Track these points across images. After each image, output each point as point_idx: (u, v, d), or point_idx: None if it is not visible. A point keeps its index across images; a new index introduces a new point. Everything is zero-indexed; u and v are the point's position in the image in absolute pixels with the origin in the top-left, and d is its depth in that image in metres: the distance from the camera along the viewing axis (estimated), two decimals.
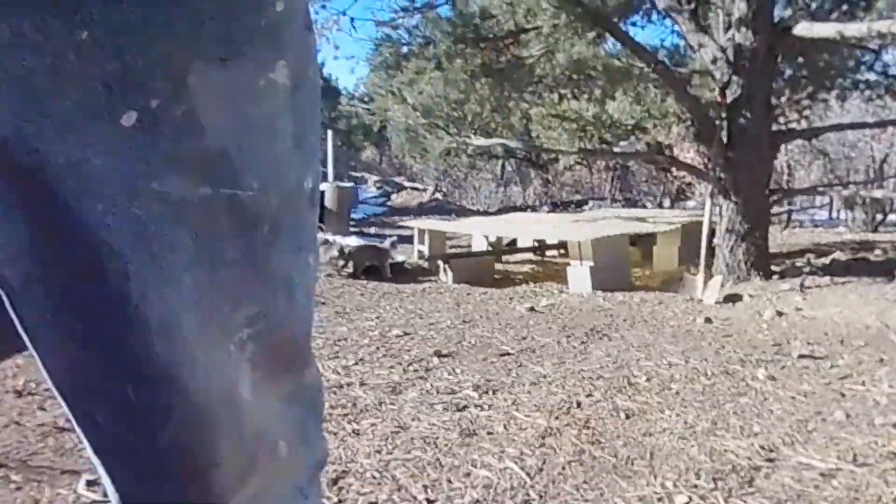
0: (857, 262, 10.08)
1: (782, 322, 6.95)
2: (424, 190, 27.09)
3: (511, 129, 13.51)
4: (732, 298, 8.06)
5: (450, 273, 10.12)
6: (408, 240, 12.64)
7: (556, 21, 10.00)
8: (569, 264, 9.93)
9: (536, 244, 12.89)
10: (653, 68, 10.07)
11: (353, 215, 19.10)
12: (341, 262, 9.86)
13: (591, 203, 19.22)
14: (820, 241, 14.05)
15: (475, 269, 10.55)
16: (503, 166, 27.94)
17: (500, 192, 27.24)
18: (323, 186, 16.76)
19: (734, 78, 8.99)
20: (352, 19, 14.95)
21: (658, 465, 3.44)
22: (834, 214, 20.84)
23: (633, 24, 12.84)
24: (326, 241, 9.92)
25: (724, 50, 9.15)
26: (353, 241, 11.13)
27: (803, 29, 8.54)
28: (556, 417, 4.11)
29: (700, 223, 9.38)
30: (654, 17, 12.41)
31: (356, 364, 5.24)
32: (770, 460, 3.47)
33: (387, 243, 10.64)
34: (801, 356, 5.62)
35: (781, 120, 11.83)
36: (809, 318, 7.18)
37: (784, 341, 6.27)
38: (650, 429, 3.95)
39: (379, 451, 3.51)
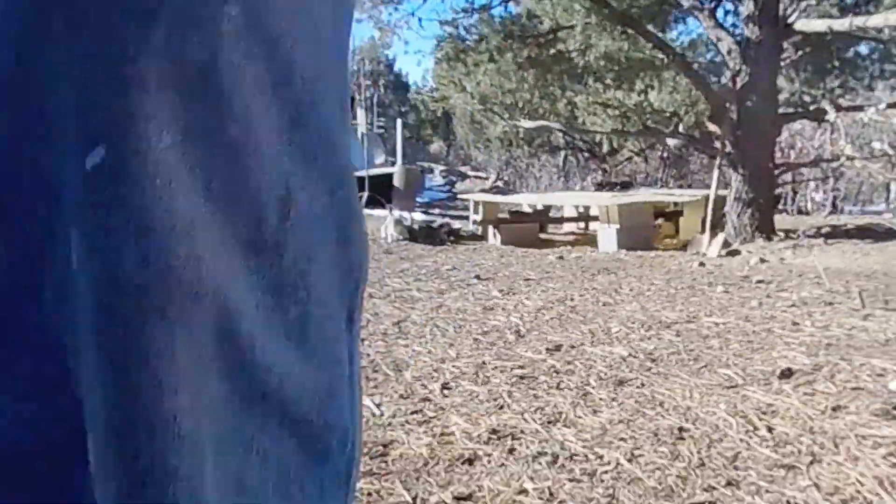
0: (859, 230, 11.01)
1: (762, 266, 8.17)
2: (486, 178, 28.03)
3: (557, 115, 14.90)
4: (732, 252, 9.26)
5: (498, 236, 11.53)
6: (466, 219, 14.02)
7: (587, 20, 11.47)
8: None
9: (578, 213, 14.10)
10: (672, 59, 11.46)
11: (418, 199, 20.56)
12: (406, 233, 11.10)
13: (638, 186, 20.13)
14: (857, 222, 14.18)
15: (521, 233, 11.80)
16: (565, 158, 28.71)
17: (560, 182, 28.05)
18: (393, 169, 18.37)
19: (744, 67, 10.28)
20: (419, 19, 16.46)
21: (609, 320, 4.99)
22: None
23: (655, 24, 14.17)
24: (394, 216, 11.38)
25: (738, 42, 10.49)
26: (417, 217, 12.69)
27: (801, 24, 9.85)
28: (552, 303, 5.64)
29: (724, 196, 10.75)
30: (673, 18, 13.78)
31: (415, 281, 6.85)
32: (689, 321, 4.97)
33: (440, 220, 12.20)
34: (759, 282, 6.89)
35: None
36: (787, 264, 8.33)
37: (753, 275, 7.44)
38: (616, 309, 5.48)
39: (426, 314, 5.18)
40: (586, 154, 26.73)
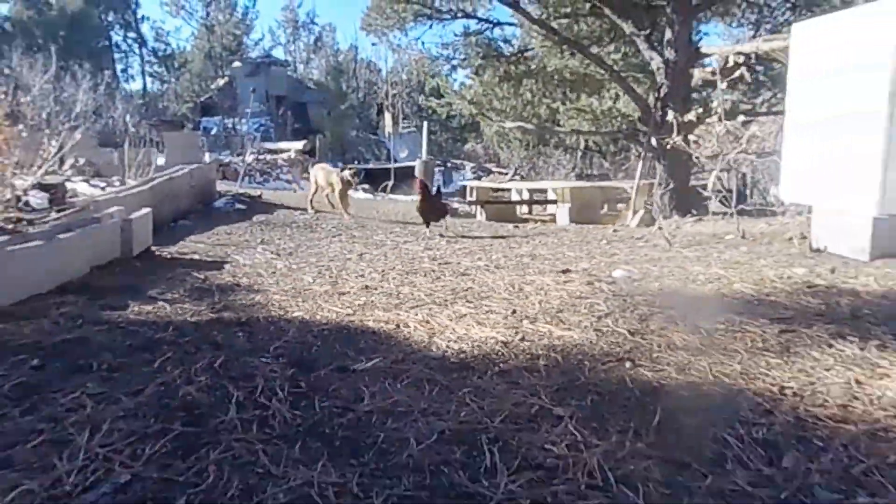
0: (760, 209, 12.34)
1: (663, 230, 9.79)
2: (506, 173, 30.09)
3: (538, 118, 16.96)
4: (649, 224, 10.96)
5: (483, 213, 13.51)
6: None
7: (545, 44, 13.65)
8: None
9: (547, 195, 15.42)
10: (609, 74, 13.48)
11: (444, 189, 22.45)
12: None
13: (613, 178, 21.66)
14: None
15: (502, 211, 13.63)
16: (581, 157, 30.29)
17: (572, 176, 29.97)
18: (415, 163, 20.50)
19: (665, 81, 12.20)
20: (423, 43, 18.87)
21: (502, 254, 6.89)
22: None
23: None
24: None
25: (666, 62, 12.40)
26: None
27: (707, 48, 11.76)
28: (476, 248, 7.51)
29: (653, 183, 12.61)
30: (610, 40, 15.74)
31: (407, 236, 8.89)
32: (554, 255, 6.86)
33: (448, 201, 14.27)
34: (637, 238, 8.37)
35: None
36: (683, 230, 9.65)
37: (639, 236, 8.79)
38: (516, 250, 7.31)
39: (389, 249, 7.27)
40: (597, 152, 28.44)
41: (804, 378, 2.77)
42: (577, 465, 2.01)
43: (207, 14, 51.58)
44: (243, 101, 36.09)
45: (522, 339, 3.40)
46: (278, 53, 51.30)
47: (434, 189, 9.85)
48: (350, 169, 11.76)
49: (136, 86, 49.44)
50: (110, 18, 49.46)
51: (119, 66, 49.93)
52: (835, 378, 2.75)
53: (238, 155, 23.43)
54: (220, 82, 42.15)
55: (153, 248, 6.39)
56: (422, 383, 2.76)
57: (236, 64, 43.34)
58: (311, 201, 11.68)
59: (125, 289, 4.55)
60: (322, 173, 11.82)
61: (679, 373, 2.87)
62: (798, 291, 4.52)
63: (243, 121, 33.68)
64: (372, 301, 4.36)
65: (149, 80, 52.29)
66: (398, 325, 3.71)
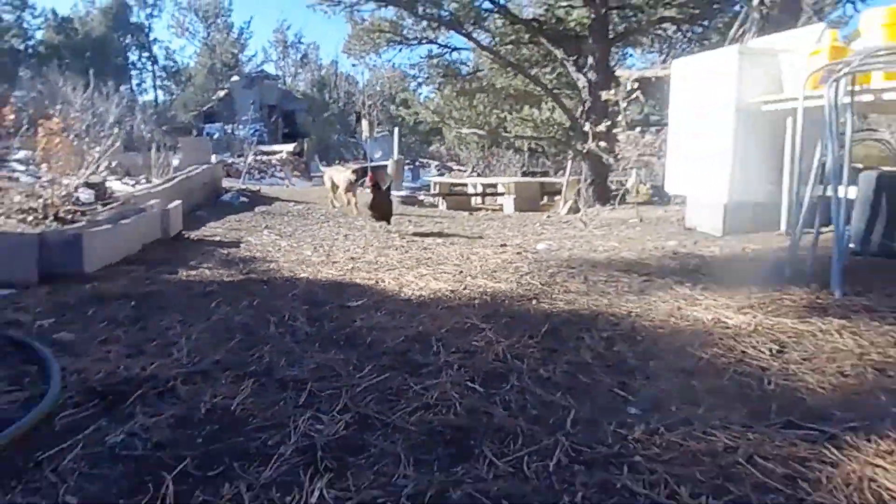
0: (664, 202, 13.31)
1: (582, 216, 10.59)
2: (464, 170, 30.65)
3: (489, 125, 17.75)
4: (576, 212, 11.83)
5: (444, 203, 14.27)
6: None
7: (493, 66, 14.49)
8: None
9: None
10: (544, 91, 14.34)
11: (413, 184, 23.09)
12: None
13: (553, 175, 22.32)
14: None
15: (459, 202, 14.35)
16: (529, 156, 30.97)
17: (519, 173, 30.56)
18: (388, 162, 21.10)
19: (589, 98, 13.02)
20: (394, 64, 19.66)
21: (451, 230, 7.73)
22: None
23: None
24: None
25: (589, 82, 13.25)
26: (401, 193, 15.58)
27: (620, 71, 12.63)
28: (453, 229, 8.42)
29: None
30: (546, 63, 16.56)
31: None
32: (497, 234, 7.78)
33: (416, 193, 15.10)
34: (563, 222, 9.23)
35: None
36: (600, 216, 10.14)
37: (574, 221, 9.43)
38: (466, 229, 8.22)
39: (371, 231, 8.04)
40: (540, 153, 29.06)
41: (646, 306, 3.60)
42: (489, 351, 2.82)
43: (208, 34, 51.54)
44: (241, 110, 36.39)
45: (465, 289, 4.15)
46: (270, 68, 51.29)
47: (385, 185, 8.62)
48: (354, 169, 11.23)
49: (148, 97, 49.41)
50: (128, 41, 49.52)
51: (135, 81, 50.08)
52: (665, 306, 3.59)
53: (239, 156, 23.81)
54: (221, 94, 42.22)
55: (183, 232, 6.98)
56: (394, 313, 3.51)
57: (234, 78, 43.40)
58: (332, 201, 10.98)
59: (171, 260, 5.22)
60: (333, 173, 11.30)
61: (566, 305, 3.68)
62: (665, 257, 5.38)
63: (241, 127, 33.92)
64: (357, 267, 5.06)
65: (160, 92, 52.38)
66: (377, 281, 4.46)
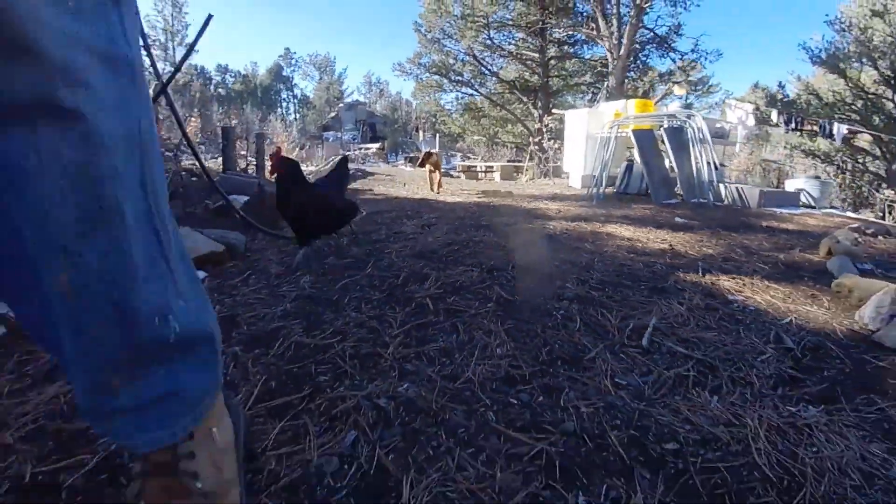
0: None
1: (531, 181, 13.17)
2: (476, 158, 32.61)
3: (489, 135, 19.91)
4: (530, 180, 14.33)
5: (463, 175, 16.40)
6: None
7: (490, 104, 16.69)
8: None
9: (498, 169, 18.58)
10: (517, 118, 16.53)
11: (446, 166, 24.98)
12: None
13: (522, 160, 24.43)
14: None
15: (471, 174, 16.21)
16: (515, 152, 32.66)
17: (505, 160, 32.54)
18: (438, 151, 23.16)
19: (538, 122, 15.12)
20: (438, 102, 21.52)
21: (478, 186, 10.39)
22: None
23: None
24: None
25: (539, 114, 15.37)
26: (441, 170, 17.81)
27: (554, 111, 14.83)
28: (466, 186, 10.98)
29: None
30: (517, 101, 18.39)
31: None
32: (493, 187, 10.50)
33: (448, 171, 17.23)
34: (524, 184, 11.98)
35: None
36: (535, 181, 12.96)
37: (528, 184, 12.15)
38: (480, 186, 10.79)
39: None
40: (516, 149, 30.83)
41: (530, 203, 6.43)
42: (477, 212, 5.68)
43: (321, 78, 53.69)
44: (344, 124, 38.76)
45: (468, 199, 6.98)
46: (361, 98, 53.39)
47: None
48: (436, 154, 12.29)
49: (290, 118, 51.86)
50: (280, 85, 51.74)
51: (280, 109, 52.53)
52: (540, 204, 6.42)
53: (347, 151, 26.37)
54: (332, 115, 44.47)
55: (349, 187, 9.57)
56: (444, 206, 6.36)
57: (340, 105, 45.56)
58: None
59: (349, 196, 7.95)
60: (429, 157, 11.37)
61: (507, 201, 6.50)
62: (552, 192, 8.14)
63: (345, 134, 36.34)
64: (423, 194, 7.85)
65: (296, 115, 54.85)
66: (435, 199, 7.27)
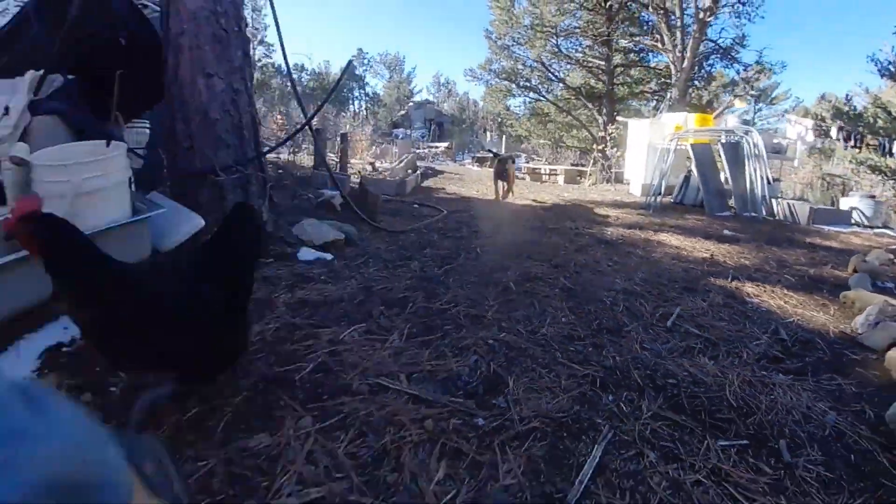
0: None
1: (594, 186, 13.54)
2: (541, 160, 32.80)
3: (550, 135, 20.14)
4: (596, 184, 14.66)
5: (528, 177, 17.17)
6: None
7: (556, 109, 17.11)
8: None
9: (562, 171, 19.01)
10: (581, 124, 16.76)
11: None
12: None
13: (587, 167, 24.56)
14: None
15: (535, 177, 16.99)
16: (579, 155, 32.51)
17: (569, 163, 32.34)
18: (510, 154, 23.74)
19: (602, 128, 15.40)
20: (507, 106, 21.96)
21: (541, 191, 11.07)
22: None
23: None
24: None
25: (604, 122, 15.59)
26: None
27: (619, 118, 15.04)
28: (532, 188, 11.62)
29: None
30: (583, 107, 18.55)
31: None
32: (562, 193, 11.05)
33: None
34: (588, 189, 12.41)
35: None
36: (598, 187, 13.41)
37: (592, 188, 12.64)
38: (543, 191, 11.45)
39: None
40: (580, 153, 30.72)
41: (596, 208, 7.01)
42: (534, 214, 6.35)
43: (391, 76, 55.47)
44: (413, 122, 39.96)
45: (526, 203, 7.63)
46: (430, 97, 54.74)
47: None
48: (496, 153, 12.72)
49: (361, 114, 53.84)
50: (353, 84, 53.93)
51: (352, 108, 54.74)
52: (607, 210, 6.99)
53: (417, 149, 27.36)
54: (401, 112, 45.80)
55: (422, 185, 10.53)
56: (505, 205, 7.07)
57: (409, 104, 46.91)
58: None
59: (424, 194, 8.81)
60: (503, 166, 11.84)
61: (567, 203, 7.11)
62: (614, 199, 8.63)
63: (414, 132, 37.48)
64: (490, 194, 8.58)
65: (367, 113, 56.87)
66: (496, 199, 8.00)
